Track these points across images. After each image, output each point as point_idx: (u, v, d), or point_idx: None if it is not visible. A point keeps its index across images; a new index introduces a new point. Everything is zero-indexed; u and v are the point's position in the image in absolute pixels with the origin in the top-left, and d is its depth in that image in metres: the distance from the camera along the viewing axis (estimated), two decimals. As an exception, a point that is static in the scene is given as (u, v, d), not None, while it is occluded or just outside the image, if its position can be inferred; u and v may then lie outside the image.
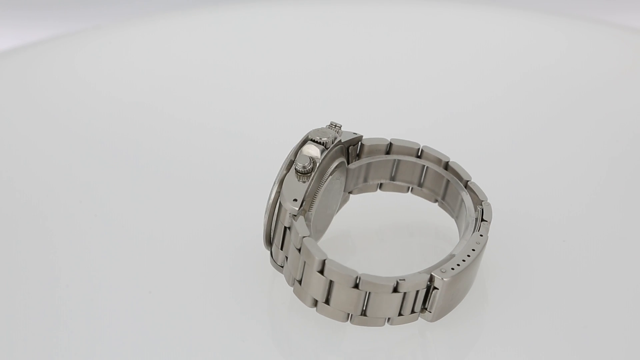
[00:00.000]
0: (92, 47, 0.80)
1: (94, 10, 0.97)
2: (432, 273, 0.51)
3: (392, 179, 0.59)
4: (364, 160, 0.57)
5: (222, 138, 0.68)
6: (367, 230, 0.61)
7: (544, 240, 0.59)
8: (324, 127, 0.56)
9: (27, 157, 0.66)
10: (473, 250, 0.52)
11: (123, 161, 0.66)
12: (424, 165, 0.58)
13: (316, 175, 0.54)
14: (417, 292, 0.51)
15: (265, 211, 0.54)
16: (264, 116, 0.71)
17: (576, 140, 0.67)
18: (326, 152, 0.54)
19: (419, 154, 0.58)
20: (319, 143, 0.54)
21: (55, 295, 0.55)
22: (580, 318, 0.54)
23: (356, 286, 0.50)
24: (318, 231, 0.56)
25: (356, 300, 0.51)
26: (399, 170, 0.58)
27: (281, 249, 0.54)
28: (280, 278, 0.55)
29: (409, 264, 0.58)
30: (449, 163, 0.57)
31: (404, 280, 0.50)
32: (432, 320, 0.52)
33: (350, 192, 0.59)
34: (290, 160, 0.54)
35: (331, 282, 0.51)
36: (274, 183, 0.54)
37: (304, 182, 0.53)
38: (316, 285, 0.51)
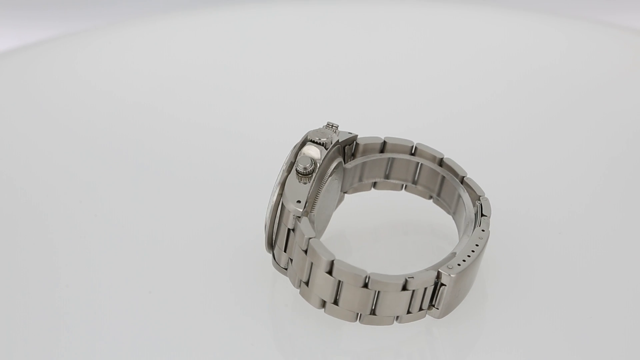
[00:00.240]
0: (92, 47, 0.79)
1: (93, 10, 0.96)
2: (439, 270, 0.51)
3: (387, 177, 0.59)
4: (359, 160, 0.58)
5: (222, 138, 0.68)
6: (361, 229, 0.61)
7: (544, 240, 0.59)
8: (322, 127, 0.56)
9: (28, 157, 0.66)
10: (477, 245, 0.53)
11: (123, 161, 0.66)
12: (418, 163, 0.58)
13: (317, 176, 0.53)
14: (425, 289, 0.51)
15: (267, 214, 0.54)
16: (263, 116, 0.71)
17: (576, 140, 0.68)
18: (326, 152, 0.54)
19: (413, 152, 0.58)
20: (319, 144, 0.54)
21: (55, 295, 0.55)
22: (580, 317, 0.54)
23: (365, 285, 0.50)
24: (317, 232, 0.56)
25: (365, 299, 0.51)
26: (393, 168, 0.59)
27: (284, 251, 0.54)
28: (281, 278, 0.55)
29: (405, 262, 0.58)
30: (444, 159, 0.58)
31: (412, 278, 0.50)
32: (439, 317, 0.53)
33: (345, 192, 0.59)
34: (291, 162, 0.54)
35: (340, 282, 0.51)
36: (275, 186, 0.53)
37: (305, 183, 0.53)
38: (324, 286, 0.51)
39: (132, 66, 0.76)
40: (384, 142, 0.58)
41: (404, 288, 0.50)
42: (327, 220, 0.57)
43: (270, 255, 0.56)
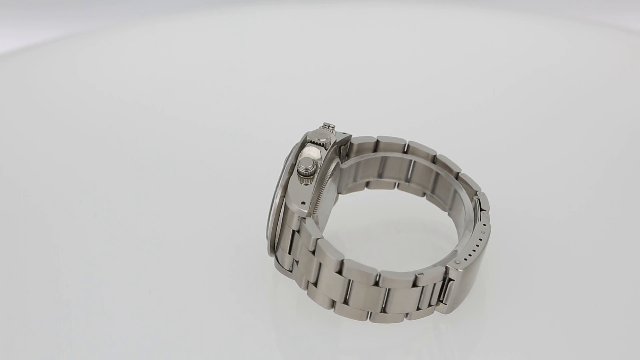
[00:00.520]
0: (92, 48, 0.79)
1: (94, 12, 0.95)
2: (447, 265, 0.51)
3: (380, 176, 0.59)
4: (353, 160, 0.58)
5: (221, 138, 0.68)
6: (354, 229, 0.61)
7: (543, 238, 0.60)
8: (319, 127, 0.56)
9: (28, 158, 0.66)
10: (480, 239, 0.53)
11: (123, 161, 0.66)
12: (411, 160, 0.58)
13: (318, 176, 0.53)
14: (434, 285, 0.52)
15: (269, 217, 0.54)
16: (262, 116, 0.71)
17: (576, 139, 0.69)
18: (326, 153, 0.54)
19: (406, 150, 0.58)
20: (319, 144, 0.54)
21: (55, 295, 0.55)
22: (581, 315, 0.55)
23: (376, 284, 0.50)
24: (319, 232, 0.56)
25: (376, 298, 0.51)
26: (387, 167, 0.59)
27: (289, 253, 0.54)
28: (283, 277, 0.55)
29: (400, 260, 0.59)
30: (437, 156, 0.58)
31: (422, 274, 0.51)
32: (447, 312, 0.53)
33: (339, 193, 0.59)
34: (292, 163, 0.53)
35: (350, 281, 0.51)
36: (277, 188, 0.53)
37: (307, 184, 0.53)
38: (334, 286, 0.51)
39: (132, 67, 0.77)
40: (377, 141, 0.58)
41: (414, 285, 0.51)
42: (325, 221, 0.57)
43: (268, 254, 0.55)
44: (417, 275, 0.51)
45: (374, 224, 0.61)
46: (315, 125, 0.56)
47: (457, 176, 0.57)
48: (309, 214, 0.52)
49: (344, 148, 0.57)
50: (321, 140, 0.54)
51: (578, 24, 0.83)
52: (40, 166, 0.65)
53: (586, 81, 0.75)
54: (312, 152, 0.54)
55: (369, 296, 0.51)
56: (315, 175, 0.53)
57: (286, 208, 0.53)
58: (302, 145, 0.54)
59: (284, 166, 0.54)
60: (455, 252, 0.53)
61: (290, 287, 0.55)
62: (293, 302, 0.56)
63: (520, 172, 0.66)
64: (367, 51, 0.78)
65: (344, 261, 0.50)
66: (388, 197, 0.61)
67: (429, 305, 0.52)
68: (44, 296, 0.55)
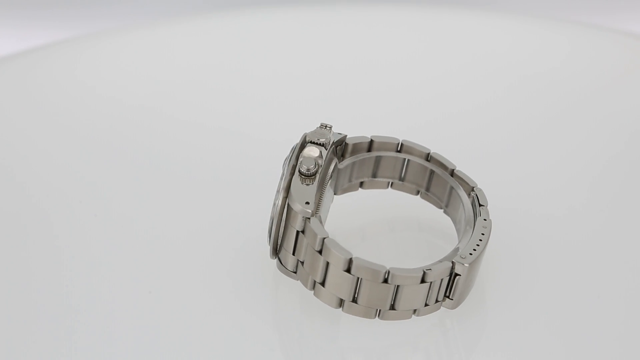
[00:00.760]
0: (92, 50, 0.79)
1: (96, 15, 0.95)
2: (453, 260, 0.52)
3: (374, 175, 0.59)
4: (349, 160, 0.58)
5: (220, 138, 0.68)
6: (347, 230, 0.61)
7: (543, 236, 0.60)
8: (317, 128, 0.56)
9: (27, 158, 0.66)
10: (482, 234, 0.54)
11: (122, 161, 0.66)
12: (404, 159, 0.59)
13: (320, 176, 0.53)
14: (442, 280, 0.52)
15: (272, 220, 0.53)
16: (260, 116, 0.71)
17: (574, 140, 0.69)
18: (327, 152, 0.54)
19: (399, 149, 0.59)
20: (318, 144, 0.54)
21: (55, 294, 0.55)
22: (583, 310, 0.56)
23: (385, 281, 0.50)
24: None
25: (385, 295, 0.51)
26: (380, 167, 0.59)
27: (293, 254, 0.53)
28: (283, 276, 0.55)
29: (395, 259, 0.57)
30: (431, 154, 0.58)
31: (430, 270, 0.51)
32: (453, 308, 0.53)
33: (335, 194, 0.59)
34: (293, 164, 0.53)
35: (359, 279, 0.51)
36: (279, 190, 0.53)
37: (308, 184, 0.53)
38: (343, 284, 0.51)
39: (133, 68, 0.76)
40: (371, 141, 0.58)
41: (422, 280, 0.51)
42: (324, 222, 0.57)
43: (270, 257, 0.55)
44: (425, 271, 0.51)
45: (367, 224, 0.61)
46: (313, 125, 0.56)
47: (452, 173, 0.58)
48: (314, 214, 0.52)
49: (339, 148, 0.57)
50: (321, 140, 0.54)
51: (577, 27, 0.85)
52: (39, 166, 0.65)
53: (585, 83, 0.76)
54: (313, 152, 0.54)
55: (378, 293, 0.51)
56: (317, 175, 0.53)
57: (289, 209, 0.53)
58: (302, 145, 0.54)
59: (284, 168, 0.54)
60: (457, 249, 0.53)
61: (291, 287, 0.55)
62: (296, 302, 0.55)
63: (518, 172, 0.66)
64: (365, 53, 0.78)
65: (353, 259, 0.50)
66: (381, 196, 0.61)
67: (436, 301, 0.53)
68: (43, 296, 0.55)
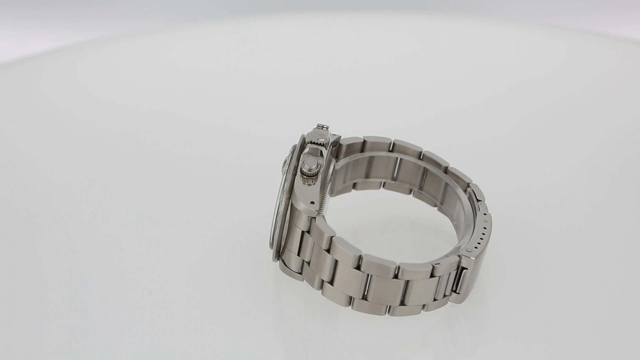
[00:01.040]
0: (91, 57, 0.79)
1: (99, 21, 0.92)
2: (460, 254, 0.52)
3: (367, 176, 0.59)
4: (343, 161, 0.58)
5: (220, 138, 0.69)
6: (340, 231, 0.60)
7: (543, 233, 0.61)
8: (314, 129, 0.56)
9: (28, 158, 0.66)
10: (485, 228, 0.54)
11: (122, 161, 0.66)
12: (397, 158, 0.59)
13: (322, 176, 0.53)
14: (449, 274, 0.52)
15: (275, 222, 0.53)
16: (259, 116, 0.71)
17: (570, 140, 0.71)
18: (327, 152, 0.54)
19: (392, 148, 0.59)
20: (319, 144, 0.54)
21: (54, 294, 0.55)
22: (585, 309, 0.56)
23: (396, 276, 0.51)
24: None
25: (396, 291, 0.51)
26: (373, 167, 0.59)
27: (298, 254, 0.53)
28: (284, 275, 0.55)
29: (391, 258, 0.59)
30: (423, 152, 0.59)
31: (438, 264, 0.51)
32: (459, 302, 0.54)
33: (330, 195, 0.59)
34: (295, 165, 0.53)
35: (369, 276, 0.51)
36: (282, 192, 0.53)
37: (310, 185, 0.53)
38: (353, 282, 0.51)
39: (133, 71, 0.77)
40: (364, 142, 0.58)
41: (432, 275, 0.51)
42: (324, 223, 0.57)
43: (272, 260, 0.55)
44: (434, 265, 0.51)
45: (360, 225, 0.61)
46: (308, 124, 0.56)
47: (445, 170, 0.58)
48: (319, 213, 0.52)
49: (334, 149, 0.57)
50: (320, 140, 0.54)
51: (574, 34, 0.86)
52: (40, 166, 0.65)
53: (582, 89, 0.77)
54: (314, 152, 0.54)
55: (389, 289, 0.51)
56: (319, 175, 0.53)
57: (293, 209, 0.52)
58: (302, 146, 0.54)
59: (285, 169, 0.54)
60: (458, 248, 0.53)
61: (292, 287, 0.55)
62: (298, 302, 0.55)
63: (517, 171, 0.67)
64: (362, 58, 0.79)
65: (362, 256, 0.50)
66: (373, 197, 0.61)
67: (444, 295, 0.53)
68: (43, 296, 0.55)
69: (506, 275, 0.57)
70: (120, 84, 0.75)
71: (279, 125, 0.69)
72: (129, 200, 0.62)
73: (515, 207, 0.62)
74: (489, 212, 0.55)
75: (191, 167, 0.65)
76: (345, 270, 0.51)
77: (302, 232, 0.52)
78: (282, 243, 0.54)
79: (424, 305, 0.52)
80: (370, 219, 0.62)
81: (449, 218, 0.58)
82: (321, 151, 0.54)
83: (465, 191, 0.57)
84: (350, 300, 0.52)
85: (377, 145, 0.59)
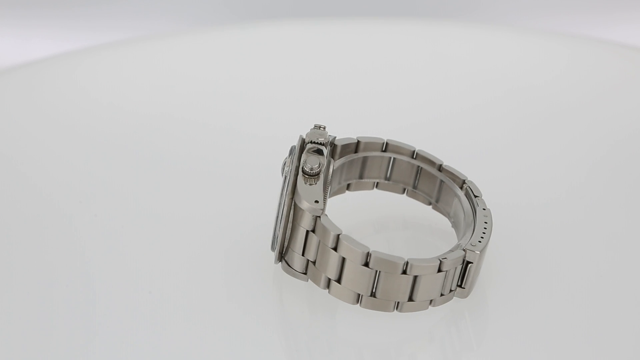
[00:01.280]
0: (92, 61, 0.79)
1: (99, 21, 0.91)
2: (464, 248, 0.52)
3: (360, 177, 0.59)
4: (339, 162, 0.58)
5: (219, 137, 0.69)
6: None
7: (542, 227, 0.62)
8: (312, 129, 0.56)
9: (28, 158, 0.66)
10: (486, 222, 0.55)
11: (121, 161, 0.66)
12: (390, 158, 0.59)
13: (323, 176, 0.53)
14: (455, 269, 0.52)
15: (279, 224, 0.53)
16: (259, 116, 0.72)
17: (565, 140, 0.71)
18: (327, 152, 0.54)
19: (385, 148, 0.59)
20: (318, 144, 0.54)
21: (54, 294, 0.55)
22: (586, 306, 0.57)
23: (404, 272, 0.51)
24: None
25: (405, 286, 0.51)
26: (367, 167, 0.59)
27: (302, 254, 0.53)
28: (285, 275, 0.54)
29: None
30: (417, 151, 0.59)
31: (445, 258, 0.51)
32: (465, 297, 0.54)
33: (326, 196, 0.59)
34: (296, 165, 0.53)
35: (377, 272, 0.51)
36: (284, 194, 0.52)
37: (311, 184, 0.53)
38: (361, 279, 0.51)
39: (133, 73, 0.77)
40: (358, 142, 0.58)
41: (439, 270, 0.51)
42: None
43: (274, 262, 0.54)
44: (441, 260, 0.51)
45: (352, 226, 0.61)
46: (308, 124, 0.56)
47: (439, 168, 0.58)
48: (323, 212, 0.52)
49: (331, 149, 0.57)
50: (320, 139, 0.54)
51: (572, 40, 0.87)
52: (39, 166, 0.65)
53: (581, 93, 0.78)
54: (315, 152, 0.54)
55: (397, 285, 0.51)
56: (321, 175, 0.53)
57: (296, 209, 0.52)
58: (302, 146, 0.54)
59: (285, 171, 0.53)
60: (458, 245, 0.53)
61: (293, 286, 0.55)
62: (301, 302, 0.55)
63: (515, 171, 0.68)
64: (360, 61, 0.79)
65: (371, 253, 0.50)
66: (366, 197, 0.61)
67: (450, 290, 0.53)
68: (42, 296, 0.54)
69: (509, 271, 0.57)
70: (122, 87, 0.75)
71: (279, 125, 0.69)
72: (129, 201, 0.62)
73: (515, 204, 0.63)
74: (488, 207, 0.55)
75: (191, 167, 0.65)
76: (353, 268, 0.51)
77: (307, 232, 0.52)
78: (285, 244, 0.53)
79: (431, 301, 0.52)
80: (364, 220, 0.61)
81: (445, 216, 0.59)
82: (322, 150, 0.54)
83: (461, 188, 0.57)
84: (358, 298, 0.52)
85: (371, 145, 0.59)
